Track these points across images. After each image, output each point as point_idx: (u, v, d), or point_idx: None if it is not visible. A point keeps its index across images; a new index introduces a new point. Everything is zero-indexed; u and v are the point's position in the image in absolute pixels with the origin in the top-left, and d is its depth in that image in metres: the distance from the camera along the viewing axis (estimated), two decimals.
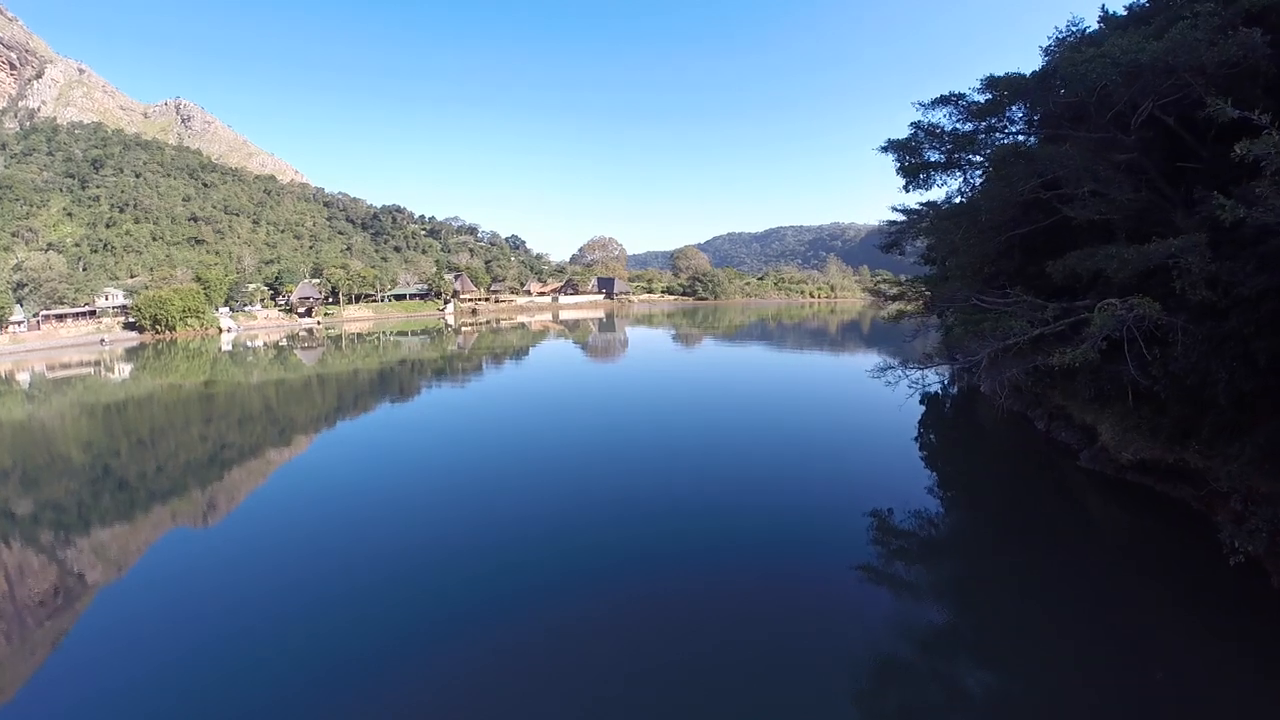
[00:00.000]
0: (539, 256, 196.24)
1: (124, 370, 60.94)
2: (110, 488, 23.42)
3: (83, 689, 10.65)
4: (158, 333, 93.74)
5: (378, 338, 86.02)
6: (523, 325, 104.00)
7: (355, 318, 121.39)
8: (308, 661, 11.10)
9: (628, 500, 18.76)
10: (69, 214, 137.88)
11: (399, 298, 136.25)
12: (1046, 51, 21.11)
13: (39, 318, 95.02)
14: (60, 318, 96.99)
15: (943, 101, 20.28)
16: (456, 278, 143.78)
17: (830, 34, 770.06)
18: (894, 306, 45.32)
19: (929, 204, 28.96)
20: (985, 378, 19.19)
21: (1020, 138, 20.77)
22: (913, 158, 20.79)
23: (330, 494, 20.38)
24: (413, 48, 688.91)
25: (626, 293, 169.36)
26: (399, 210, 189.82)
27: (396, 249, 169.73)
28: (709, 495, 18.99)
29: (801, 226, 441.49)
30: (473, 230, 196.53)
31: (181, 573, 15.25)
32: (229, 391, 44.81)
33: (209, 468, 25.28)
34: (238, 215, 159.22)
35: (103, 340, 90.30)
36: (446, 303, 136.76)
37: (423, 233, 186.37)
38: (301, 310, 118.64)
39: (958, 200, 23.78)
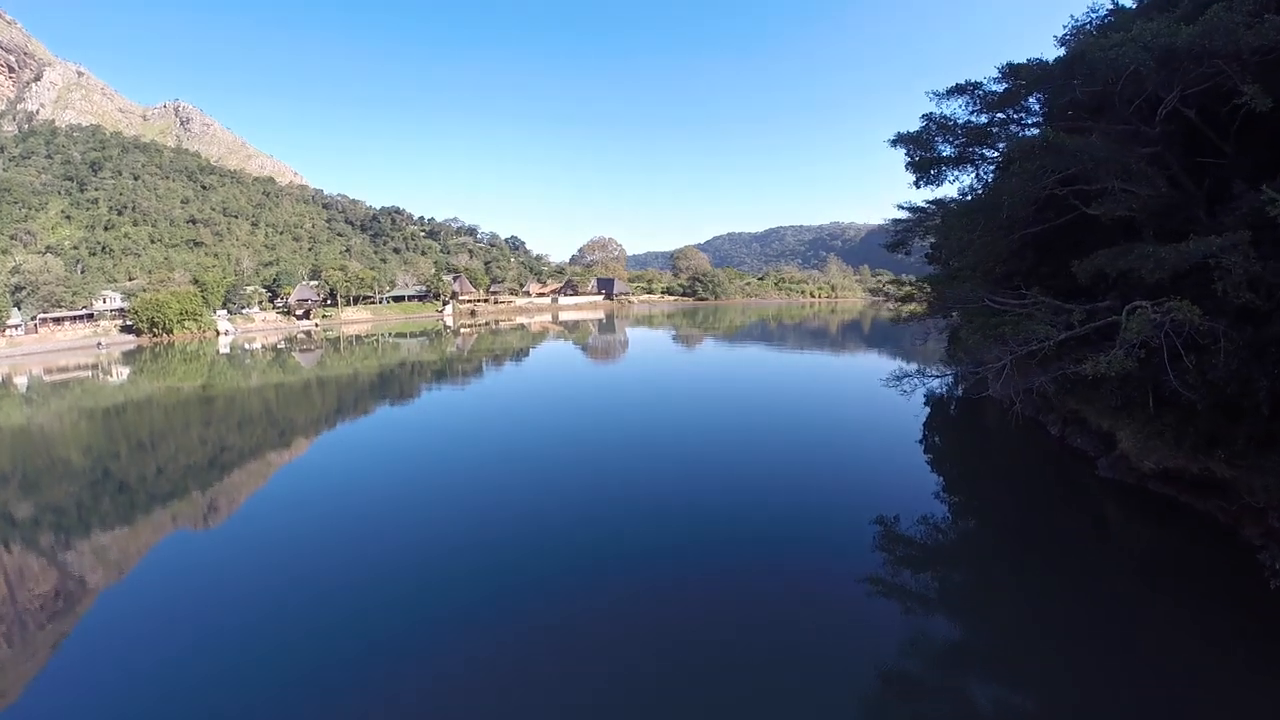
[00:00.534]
0: (538, 257, 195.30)
1: (121, 373, 60.47)
2: (110, 491, 23.53)
3: (85, 691, 10.73)
4: (155, 336, 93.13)
5: (376, 340, 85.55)
6: (522, 326, 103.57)
7: (353, 320, 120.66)
8: (309, 661, 11.14)
9: (628, 502, 18.64)
10: (67, 217, 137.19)
11: (397, 299, 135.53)
12: (1062, 41, 20.34)
13: (36, 321, 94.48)
14: (57, 321, 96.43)
15: (958, 91, 19.48)
16: (455, 279, 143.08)
17: (830, 36, 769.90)
18: (897, 307, 44.57)
19: (936, 202, 28.21)
20: (995, 380, 18.40)
21: (1034, 131, 20.00)
22: (924, 151, 19.98)
23: (329, 496, 20.38)
24: (414, 49, 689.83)
25: (626, 293, 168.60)
26: (398, 212, 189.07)
27: (396, 250, 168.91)
28: (709, 497, 18.90)
29: (801, 226, 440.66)
30: (472, 231, 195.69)
31: (182, 574, 15.29)
32: (227, 394, 44.53)
33: (208, 470, 25.36)
34: (236, 217, 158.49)
35: (99, 343, 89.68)
36: (445, 304, 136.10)
37: (422, 234, 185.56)
38: (299, 312, 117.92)
39: (969, 197, 22.99)
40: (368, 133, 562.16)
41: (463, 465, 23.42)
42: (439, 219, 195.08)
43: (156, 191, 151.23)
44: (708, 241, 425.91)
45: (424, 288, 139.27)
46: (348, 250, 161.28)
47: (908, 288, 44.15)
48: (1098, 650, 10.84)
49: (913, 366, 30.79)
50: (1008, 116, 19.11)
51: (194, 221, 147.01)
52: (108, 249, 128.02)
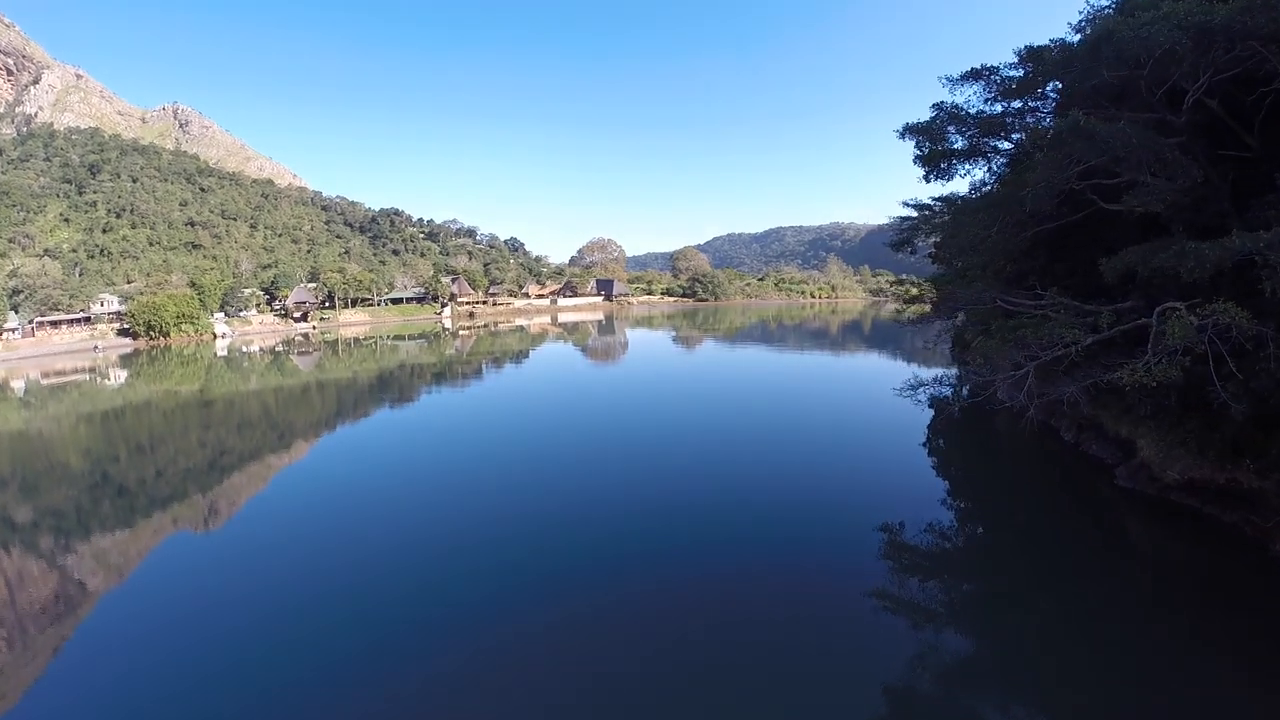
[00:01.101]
0: (538, 258, 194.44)
1: (119, 376, 60.01)
2: (109, 494, 23.54)
3: (85, 693, 10.69)
4: (152, 339, 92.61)
5: (374, 342, 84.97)
6: (521, 328, 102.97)
7: (351, 322, 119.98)
8: (309, 662, 11.10)
9: (628, 503, 18.46)
10: (66, 220, 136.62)
11: (396, 301, 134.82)
12: (1078, 28, 19.50)
13: (33, 324, 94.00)
14: (55, 324, 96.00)
15: (973, 76, 18.63)
16: (454, 280, 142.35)
17: (830, 36, 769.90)
18: (900, 307, 43.76)
19: (942, 199, 27.39)
20: (1016, 388, 17.54)
21: (1048, 121, 19.17)
22: (934, 143, 19.12)
23: (329, 498, 20.30)
24: (414, 51, 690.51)
25: (626, 294, 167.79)
26: (397, 213, 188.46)
27: (395, 252, 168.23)
28: (709, 498, 18.71)
29: (801, 227, 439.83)
30: (471, 233, 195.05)
31: (181, 577, 15.25)
32: (225, 398, 44.14)
33: (207, 473, 25.39)
34: (235, 220, 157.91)
35: (96, 346, 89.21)
36: (444, 306, 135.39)
37: (421, 236, 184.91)
38: (297, 315, 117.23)
39: (979, 193, 22.14)
40: (367, 135, 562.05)
41: (462, 467, 23.37)
42: (438, 220, 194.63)
43: (155, 194, 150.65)
44: (707, 242, 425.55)
45: (422, 290, 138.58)
46: (346, 252, 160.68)
47: (912, 288, 43.39)
48: (1116, 668, 10.21)
49: (925, 373, 29.95)
50: (1024, 105, 18.28)
51: (192, 224, 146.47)
52: (106, 252, 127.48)
